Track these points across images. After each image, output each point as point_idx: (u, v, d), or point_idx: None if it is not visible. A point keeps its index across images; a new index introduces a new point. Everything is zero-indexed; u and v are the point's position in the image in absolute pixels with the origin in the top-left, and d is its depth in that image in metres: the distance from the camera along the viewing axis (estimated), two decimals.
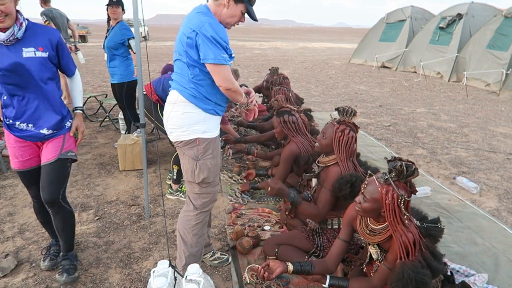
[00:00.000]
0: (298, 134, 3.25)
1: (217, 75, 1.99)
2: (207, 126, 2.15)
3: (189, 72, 2.06)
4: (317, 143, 2.63)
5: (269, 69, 5.21)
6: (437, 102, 8.54)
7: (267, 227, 3.06)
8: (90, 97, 6.65)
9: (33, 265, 2.58)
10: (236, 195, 3.61)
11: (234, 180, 3.94)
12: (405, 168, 1.74)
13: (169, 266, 1.91)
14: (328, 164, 2.57)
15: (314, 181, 2.78)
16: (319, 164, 2.65)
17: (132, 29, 3.86)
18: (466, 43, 11.36)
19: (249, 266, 2.54)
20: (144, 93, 3.48)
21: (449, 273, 2.16)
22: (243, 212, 3.31)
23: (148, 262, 2.64)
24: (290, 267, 2.02)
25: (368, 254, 2.12)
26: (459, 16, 12.20)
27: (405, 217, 1.80)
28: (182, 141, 2.15)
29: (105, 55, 4.59)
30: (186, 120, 2.12)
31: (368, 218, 1.98)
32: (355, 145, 2.53)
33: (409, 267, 1.75)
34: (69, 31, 6.68)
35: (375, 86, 10.61)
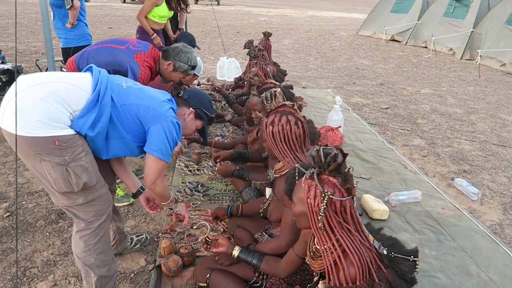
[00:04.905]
0: None
1: (154, 168, 1.79)
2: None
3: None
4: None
5: (245, 43, 4.50)
6: (445, 83, 7.74)
7: None
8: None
9: None
10: (185, 190, 3.00)
11: (189, 171, 3.32)
12: (322, 154, 1.29)
13: None
14: (283, 173, 1.94)
15: (268, 191, 2.15)
16: (274, 175, 2.02)
17: None
18: (483, 17, 10.35)
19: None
20: (65, 70, 2.85)
21: None
22: (189, 215, 2.71)
23: (43, 284, 2.07)
24: (235, 252, 1.85)
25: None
26: None
27: (339, 224, 1.29)
28: (32, 138, 1.48)
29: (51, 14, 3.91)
30: (51, 111, 1.52)
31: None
32: (297, 131, 1.87)
33: None
34: None
35: (380, 62, 9.76)
